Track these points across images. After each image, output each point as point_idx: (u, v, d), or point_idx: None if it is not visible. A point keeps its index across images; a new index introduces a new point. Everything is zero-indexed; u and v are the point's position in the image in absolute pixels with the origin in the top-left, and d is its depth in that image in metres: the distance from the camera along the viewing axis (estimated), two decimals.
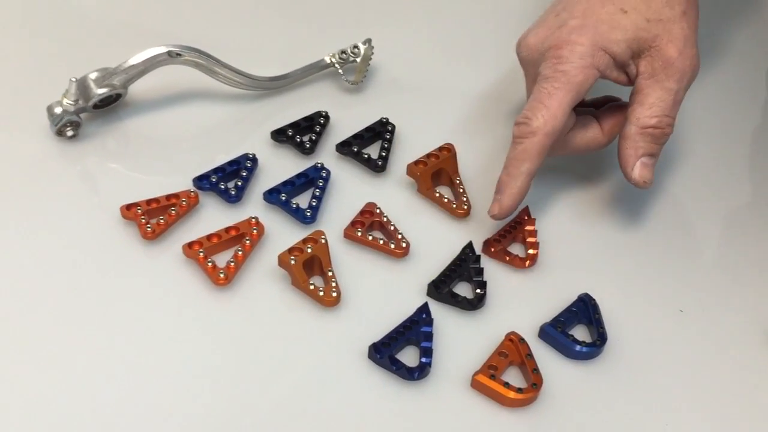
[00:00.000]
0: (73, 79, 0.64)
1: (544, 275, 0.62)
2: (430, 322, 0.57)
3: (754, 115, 0.78)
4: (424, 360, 0.55)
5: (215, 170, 0.64)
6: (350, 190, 0.66)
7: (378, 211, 0.63)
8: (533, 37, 0.63)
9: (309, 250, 0.59)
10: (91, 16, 0.79)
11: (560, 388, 0.55)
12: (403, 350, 0.56)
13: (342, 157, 0.68)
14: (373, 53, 0.74)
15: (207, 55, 0.67)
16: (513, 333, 0.57)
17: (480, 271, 0.60)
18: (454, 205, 0.64)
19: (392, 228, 0.62)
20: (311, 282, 0.58)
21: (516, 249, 0.63)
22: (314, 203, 0.63)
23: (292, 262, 0.58)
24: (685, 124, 0.72)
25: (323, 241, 0.60)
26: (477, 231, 0.64)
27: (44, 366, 0.54)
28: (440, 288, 0.59)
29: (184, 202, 0.62)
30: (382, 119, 0.70)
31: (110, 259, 0.59)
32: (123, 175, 0.65)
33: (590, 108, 0.66)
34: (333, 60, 0.73)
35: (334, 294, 0.57)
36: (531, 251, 0.62)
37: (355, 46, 0.73)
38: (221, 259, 0.59)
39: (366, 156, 0.67)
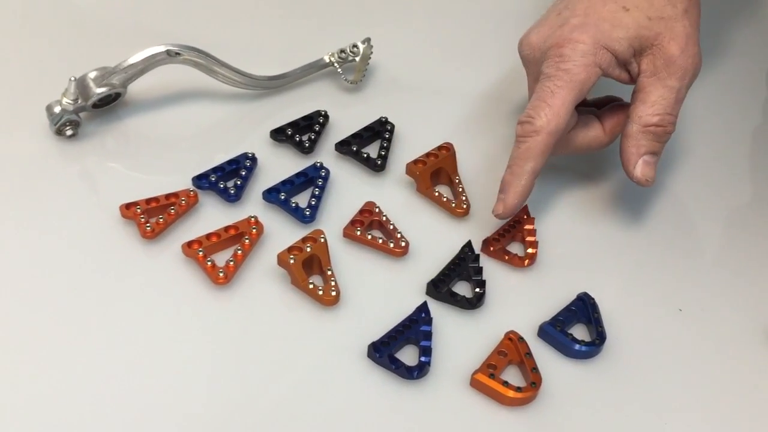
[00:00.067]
0: (73, 79, 0.64)
1: (543, 274, 0.62)
2: (429, 321, 0.57)
3: (754, 114, 0.78)
4: (423, 359, 0.55)
5: (214, 169, 0.65)
6: (349, 189, 0.66)
7: (377, 210, 0.63)
8: (535, 36, 0.63)
9: (308, 249, 0.59)
10: (90, 15, 0.79)
11: (559, 387, 0.55)
12: (402, 349, 0.56)
13: (341, 156, 0.68)
14: (372, 52, 0.74)
15: (206, 55, 0.67)
16: (512, 332, 0.57)
17: (479, 270, 0.60)
18: (454, 205, 0.64)
19: (391, 227, 0.62)
20: (310, 281, 0.58)
21: (515, 248, 0.63)
22: (313, 202, 0.63)
23: (292, 261, 0.58)
24: (685, 123, 0.72)
25: (322, 240, 0.60)
26: (476, 230, 0.64)
27: (43, 365, 0.54)
28: (439, 287, 0.59)
29: (183, 202, 0.62)
30: (382, 118, 0.70)
31: (109, 258, 0.59)
32: (122, 175, 0.65)
33: (592, 108, 0.66)
34: (332, 59, 0.73)
35: (334, 293, 0.57)
36: (530, 250, 0.62)
37: (355, 46, 0.73)
38: (220, 258, 0.59)
39: (365, 155, 0.67)
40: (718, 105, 0.77)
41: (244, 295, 0.58)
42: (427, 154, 0.66)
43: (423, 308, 0.58)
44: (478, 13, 0.84)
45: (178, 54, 0.66)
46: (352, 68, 0.74)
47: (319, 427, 0.52)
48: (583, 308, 0.59)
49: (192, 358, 0.55)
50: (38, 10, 0.79)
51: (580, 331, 0.58)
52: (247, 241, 0.60)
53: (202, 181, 0.64)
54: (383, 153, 0.67)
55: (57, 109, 0.64)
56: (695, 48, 0.61)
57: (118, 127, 0.68)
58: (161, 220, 0.60)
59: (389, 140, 0.69)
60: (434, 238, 0.63)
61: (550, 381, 0.55)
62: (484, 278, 0.60)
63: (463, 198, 0.65)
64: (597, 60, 0.60)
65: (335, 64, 0.73)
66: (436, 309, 0.58)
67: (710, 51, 0.78)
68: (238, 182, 0.64)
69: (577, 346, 0.56)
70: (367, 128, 0.69)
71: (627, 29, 0.60)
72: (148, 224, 0.60)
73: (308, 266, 0.59)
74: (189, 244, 0.59)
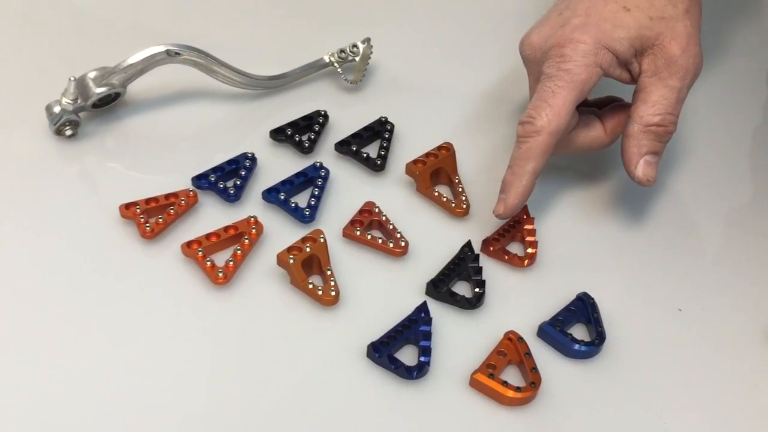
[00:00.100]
0: (72, 78, 0.64)
1: (543, 274, 0.62)
2: (428, 321, 0.57)
3: (755, 114, 0.78)
4: (422, 359, 0.55)
5: (214, 169, 0.64)
6: (349, 189, 0.66)
7: (377, 210, 0.63)
8: (536, 36, 0.63)
9: (308, 249, 0.59)
10: (90, 15, 0.79)
11: (559, 386, 0.55)
12: (401, 349, 0.56)
13: (341, 156, 0.68)
14: (372, 52, 0.74)
15: (206, 54, 0.67)
16: (511, 332, 0.57)
17: (479, 270, 0.60)
18: (453, 204, 0.64)
19: (391, 227, 0.62)
20: (310, 281, 0.58)
21: (515, 248, 0.63)
22: (313, 202, 0.63)
23: (291, 261, 0.58)
24: (686, 123, 0.72)
25: (322, 240, 0.60)
26: (476, 230, 0.64)
27: (42, 365, 0.54)
28: (439, 287, 0.59)
29: (182, 202, 0.62)
30: (381, 118, 0.70)
31: (109, 258, 0.59)
32: (122, 174, 0.65)
33: (593, 108, 0.66)
34: (332, 59, 0.73)
35: (333, 293, 0.57)
36: (530, 250, 0.62)
37: (354, 45, 0.73)
38: (220, 258, 0.59)
39: (365, 155, 0.67)
40: (719, 105, 0.77)
41: (244, 295, 0.58)
42: (427, 154, 0.66)
43: (422, 308, 0.58)
44: (478, 13, 0.84)
45: (177, 54, 0.66)
46: (351, 68, 0.74)
47: (319, 427, 0.52)
48: (583, 308, 0.59)
49: (191, 358, 0.55)
50: (38, 10, 0.79)
51: (579, 331, 0.58)
52: (246, 241, 0.60)
53: (201, 181, 0.64)
54: (383, 153, 0.67)
55: (56, 109, 0.64)
56: (696, 48, 0.61)
57: (117, 127, 0.68)
58: (161, 220, 0.60)
59: (389, 140, 0.69)
60: (434, 238, 0.63)
61: (549, 381, 0.55)
62: (483, 278, 0.60)
63: (463, 198, 0.65)
64: (598, 60, 0.60)
65: (335, 64, 0.73)
66: (436, 309, 0.58)
67: (711, 51, 0.78)
68: (238, 182, 0.64)
69: (576, 346, 0.56)
70: (366, 128, 0.69)
71: (628, 29, 0.60)
72: (147, 224, 0.60)
73: (308, 266, 0.59)
74: (188, 244, 0.59)
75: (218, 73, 0.68)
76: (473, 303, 0.59)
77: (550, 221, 0.65)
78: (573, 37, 0.60)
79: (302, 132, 0.69)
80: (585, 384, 0.56)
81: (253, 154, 0.66)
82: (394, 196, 0.66)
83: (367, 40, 0.74)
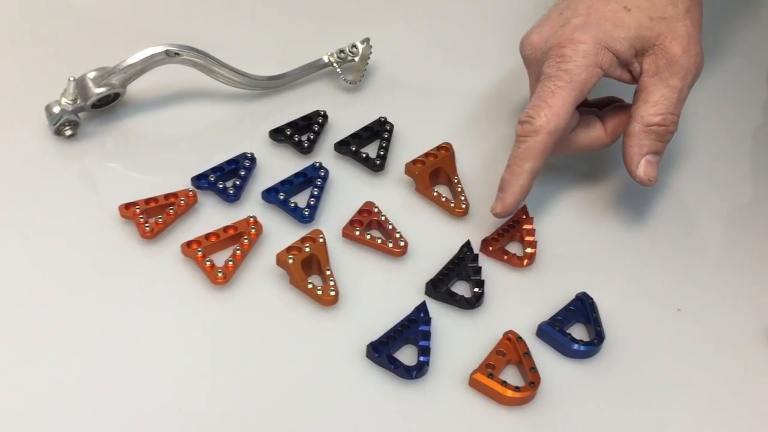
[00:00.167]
0: (72, 79, 0.64)
1: (542, 274, 0.62)
2: (428, 320, 0.57)
3: (755, 114, 0.78)
4: (422, 359, 0.55)
5: (214, 169, 0.65)
6: (348, 189, 0.66)
7: (376, 210, 0.63)
8: (536, 36, 0.63)
9: (307, 249, 0.59)
10: (89, 15, 0.79)
11: (558, 386, 0.55)
12: (401, 349, 0.56)
13: (340, 156, 0.68)
14: (371, 52, 0.74)
15: (205, 55, 0.67)
16: (511, 332, 0.57)
17: (478, 270, 0.60)
18: (453, 204, 0.64)
19: (390, 227, 0.62)
20: (309, 281, 0.58)
21: (514, 248, 0.63)
22: (312, 202, 0.63)
23: (291, 261, 0.58)
24: (686, 123, 0.72)
25: (321, 240, 0.60)
26: (475, 230, 0.63)
27: (41, 364, 0.54)
28: (438, 287, 0.59)
29: (182, 202, 0.62)
30: (381, 118, 0.70)
31: (108, 258, 0.59)
32: (121, 175, 0.65)
33: (593, 108, 0.66)
34: (331, 59, 0.73)
35: (333, 293, 0.57)
36: (529, 250, 0.62)
37: (354, 46, 0.73)
38: (219, 258, 0.59)
39: (364, 155, 0.67)
40: (719, 105, 0.77)
41: (243, 295, 0.58)
42: (426, 154, 0.66)
43: (422, 308, 0.58)
44: (478, 13, 0.84)
45: (177, 54, 0.66)
46: (351, 68, 0.74)
47: (318, 427, 0.52)
48: (582, 308, 0.59)
49: (191, 358, 0.55)
50: (38, 10, 0.79)
51: (578, 331, 0.58)
52: (246, 241, 0.60)
53: (201, 181, 0.64)
54: (382, 153, 0.67)
55: (56, 110, 0.64)
56: (697, 48, 0.61)
57: (117, 127, 0.68)
58: (160, 220, 0.60)
59: (388, 140, 0.69)
60: (433, 237, 0.63)
61: (548, 381, 0.55)
62: (482, 278, 0.60)
63: (462, 198, 0.65)
64: (598, 60, 0.59)
65: (334, 64, 0.73)
66: (435, 309, 0.58)
67: (711, 51, 0.78)
68: (237, 182, 0.64)
69: (575, 346, 0.56)
70: (366, 128, 0.69)
71: (628, 29, 0.60)
72: (147, 224, 0.60)
73: (307, 266, 0.59)
74: (188, 244, 0.59)
75: (218, 73, 0.68)
76: (472, 303, 0.59)
77: (550, 221, 0.65)
78: (573, 37, 0.60)
79: (302, 132, 0.69)
80: (584, 384, 0.56)
81: (252, 154, 0.66)
82: (393, 196, 0.66)
83: (366, 41, 0.74)
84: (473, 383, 0.54)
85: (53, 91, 0.65)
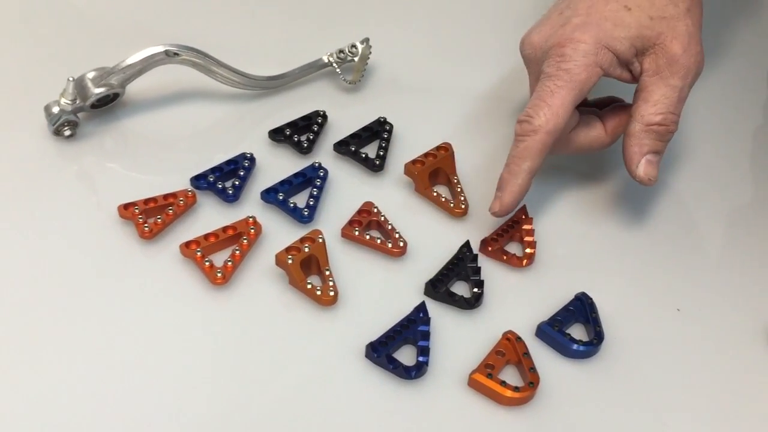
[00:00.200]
0: (71, 79, 0.64)
1: (541, 274, 0.62)
2: (427, 321, 0.57)
3: (755, 114, 0.78)
4: (421, 359, 0.55)
5: (213, 170, 0.64)
6: (348, 189, 0.66)
7: (375, 210, 0.63)
8: (537, 35, 0.63)
9: (306, 250, 0.59)
10: (88, 15, 0.79)
11: (557, 386, 0.55)
12: (400, 349, 0.56)
13: (339, 156, 0.68)
14: (370, 53, 0.74)
15: (204, 55, 0.67)
16: (510, 332, 0.57)
17: (477, 270, 0.60)
18: (452, 205, 0.64)
19: (390, 227, 0.62)
20: (309, 281, 0.58)
21: (513, 248, 0.63)
22: (312, 202, 0.63)
23: (290, 261, 0.58)
24: (686, 123, 0.71)
25: (321, 240, 0.60)
26: (474, 230, 0.63)
27: (40, 364, 0.54)
28: (437, 287, 0.59)
29: (181, 202, 0.62)
30: (380, 119, 0.70)
31: (107, 258, 0.59)
32: (120, 175, 0.65)
33: (593, 108, 0.66)
34: (331, 59, 0.73)
35: (332, 293, 0.57)
36: (528, 250, 0.62)
37: (353, 46, 0.73)
38: (219, 258, 0.59)
39: (363, 155, 0.67)
40: (720, 105, 0.77)
41: (242, 295, 0.58)
42: (426, 154, 0.66)
43: (421, 308, 0.57)
44: (478, 13, 0.84)
45: (176, 54, 0.66)
46: (350, 68, 0.74)
47: (317, 427, 0.52)
48: (581, 308, 0.59)
49: (190, 359, 0.55)
50: (37, 10, 0.79)
51: (578, 331, 0.58)
52: (245, 241, 0.60)
53: (200, 181, 0.64)
54: (382, 153, 0.67)
55: (55, 110, 0.64)
56: (698, 47, 0.61)
57: (116, 127, 0.68)
58: (159, 220, 0.60)
59: (388, 140, 0.69)
60: (432, 238, 0.63)
61: (547, 381, 0.55)
62: (482, 278, 0.60)
63: (462, 198, 0.65)
64: (598, 60, 0.59)
65: (334, 65, 0.73)
66: (434, 309, 0.58)
67: (711, 51, 0.78)
68: (237, 182, 0.64)
69: (575, 346, 0.56)
70: (365, 128, 0.69)
71: (629, 29, 0.60)
72: (146, 224, 0.60)
73: (306, 266, 0.59)
74: (187, 244, 0.59)
75: (217, 73, 0.68)
76: (472, 303, 0.59)
77: (549, 221, 0.65)
78: (573, 36, 0.60)
79: (301, 132, 0.69)
80: (583, 384, 0.56)
81: (251, 155, 0.66)
82: (392, 196, 0.66)
83: (365, 41, 0.74)
84: (472, 383, 0.54)
85: (52, 91, 0.65)
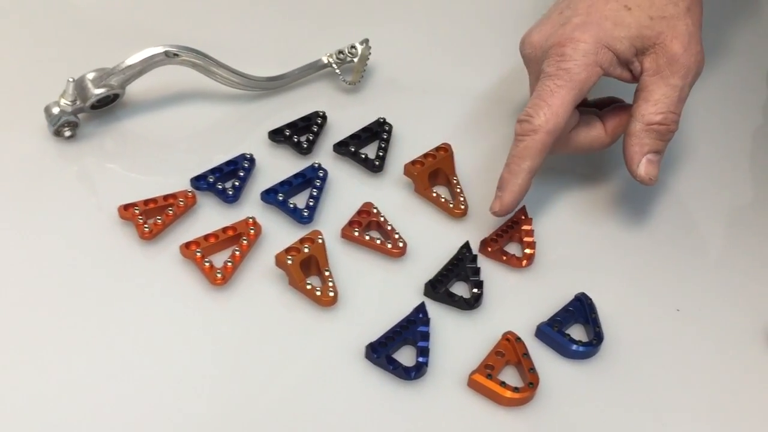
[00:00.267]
0: (71, 80, 0.64)
1: (541, 275, 0.62)
2: (427, 321, 0.57)
3: (755, 114, 0.78)
4: (420, 359, 0.55)
5: (213, 170, 0.64)
6: (347, 190, 0.66)
7: (375, 210, 0.63)
8: (537, 35, 0.63)
9: (306, 250, 0.59)
10: (88, 16, 0.79)
11: (557, 387, 0.55)
12: (399, 350, 0.56)
13: (339, 157, 0.68)
14: (370, 53, 0.74)
15: (204, 56, 0.67)
16: (510, 332, 0.57)
17: (477, 271, 0.60)
18: (451, 205, 0.64)
19: (389, 228, 0.62)
20: (308, 282, 0.58)
21: (513, 248, 0.63)
22: (311, 203, 0.63)
23: (290, 262, 0.58)
24: (686, 123, 0.71)
25: (320, 241, 0.60)
26: (474, 231, 0.63)
27: (40, 365, 0.54)
28: (437, 287, 0.59)
29: (181, 203, 0.62)
30: (380, 119, 0.70)
31: (107, 259, 0.59)
32: (120, 176, 0.65)
33: (594, 108, 0.66)
34: (330, 60, 0.73)
35: (332, 294, 0.57)
36: (528, 251, 0.62)
37: (353, 46, 0.73)
38: (218, 259, 0.59)
39: (363, 156, 0.67)
40: (720, 105, 0.77)
41: (242, 296, 0.58)
42: (425, 155, 0.66)
43: (421, 309, 0.58)
44: (478, 13, 0.84)
45: (176, 55, 0.66)
46: (350, 69, 0.74)
47: (317, 428, 0.52)
48: (581, 308, 0.59)
49: (190, 359, 0.55)
50: (37, 10, 0.79)
51: (577, 332, 0.58)
52: (245, 241, 0.60)
53: (200, 182, 0.64)
54: (381, 154, 0.67)
55: (55, 111, 0.65)
56: (698, 46, 0.61)
57: (116, 128, 0.68)
58: (159, 221, 0.60)
59: (387, 141, 0.69)
60: (432, 238, 0.63)
61: (547, 381, 0.55)
62: (481, 279, 0.60)
63: (461, 198, 0.65)
64: (598, 59, 0.59)
65: (333, 65, 0.73)
66: (434, 309, 0.58)
67: (711, 51, 0.78)
68: (236, 183, 0.64)
69: (574, 347, 0.56)
70: (365, 129, 0.69)
71: (629, 28, 0.60)
72: (146, 225, 0.60)
73: (306, 267, 0.59)
74: (187, 245, 0.59)
75: (217, 74, 0.68)
76: (471, 303, 0.59)
77: (549, 222, 0.65)
78: (573, 36, 0.60)
79: (301, 133, 0.69)
80: (583, 384, 0.56)
81: (251, 155, 0.66)
82: (392, 196, 0.66)
83: (365, 41, 0.74)
84: (472, 384, 0.54)
85: (52, 92, 0.65)
